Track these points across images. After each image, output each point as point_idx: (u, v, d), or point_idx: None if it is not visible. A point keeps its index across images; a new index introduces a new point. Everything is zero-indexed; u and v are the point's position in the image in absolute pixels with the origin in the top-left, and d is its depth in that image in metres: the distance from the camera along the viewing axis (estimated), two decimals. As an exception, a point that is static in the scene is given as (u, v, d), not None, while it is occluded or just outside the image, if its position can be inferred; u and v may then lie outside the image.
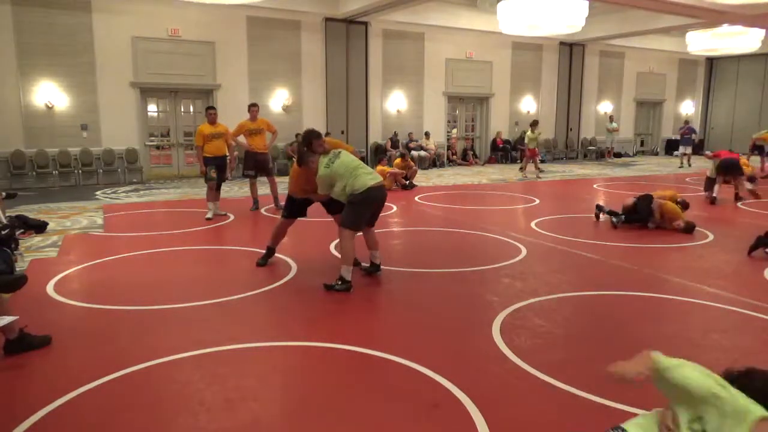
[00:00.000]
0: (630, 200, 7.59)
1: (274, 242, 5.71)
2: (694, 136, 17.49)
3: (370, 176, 4.97)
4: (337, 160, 4.92)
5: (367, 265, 5.36)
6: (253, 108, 8.73)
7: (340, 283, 4.80)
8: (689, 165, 16.83)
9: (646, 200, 7.43)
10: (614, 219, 7.54)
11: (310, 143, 4.95)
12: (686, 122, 18.23)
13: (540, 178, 14.17)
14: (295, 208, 5.53)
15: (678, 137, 18.31)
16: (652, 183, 12.50)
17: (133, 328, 3.96)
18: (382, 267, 5.32)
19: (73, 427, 2.72)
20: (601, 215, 7.97)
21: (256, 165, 8.74)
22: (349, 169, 4.89)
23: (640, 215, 7.41)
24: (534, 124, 14.78)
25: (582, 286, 4.99)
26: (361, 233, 5.16)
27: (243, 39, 13.82)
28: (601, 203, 8.15)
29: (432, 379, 3.15)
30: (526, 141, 14.58)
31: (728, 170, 9.88)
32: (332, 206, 5.32)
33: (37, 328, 3.66)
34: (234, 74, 13.79)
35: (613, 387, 3.07)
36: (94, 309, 4.37)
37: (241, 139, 8.68)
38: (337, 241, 5.76)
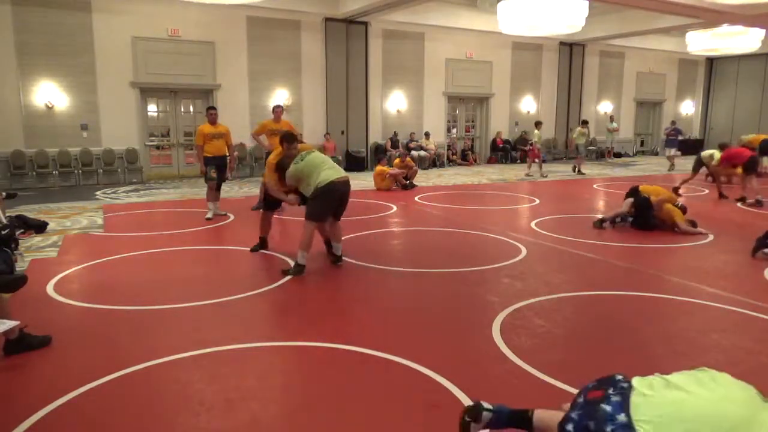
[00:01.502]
0: (626, 207, 7.46)
1: (264, 232, 6.21)
2: (680, 137, 16.80)
3: (334, 171, 5.31)
4: (307, 157, 5.35)
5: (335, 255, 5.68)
6: (277, 109, 8.74)
7: (294, 269, 5.23)
8: (672, 168, 16.12)
9: (644, 202, 7.34)
10: (618, 220, 7.47)
11: (281, 142, 5.58)
12: (672, 122, 17.71)
13: (531, 176, 14.29)
14: (270, 200, 6.12)
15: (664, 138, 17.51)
16: (652, 183, 12.48)
17: (133, 328, 3.97)
18: (344, 258, 5.65)
19: (73, 427, 2.72)
20: (605, 224, 7.52)
21: None
22: (314, 165, 5.28)
23: (643, 218, 7.33)
24: (537, 124, 14.88)
25: (582, 286, 4.99)
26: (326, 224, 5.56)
27: (243, 39, 13.82)
28: (602, 217, 7.66)
29: (432, 379, 3.15)
30: (536, 140, 14.59)
31: (752, 167, 9.74)
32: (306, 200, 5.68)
33: (37, 328, 3.66)
34: (234, 74, 13.79)
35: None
36: (94, 309, 4.37)
37: (263, 138, 8.67)
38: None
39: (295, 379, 3.29)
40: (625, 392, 1.48)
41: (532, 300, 4.55)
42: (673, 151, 16.33)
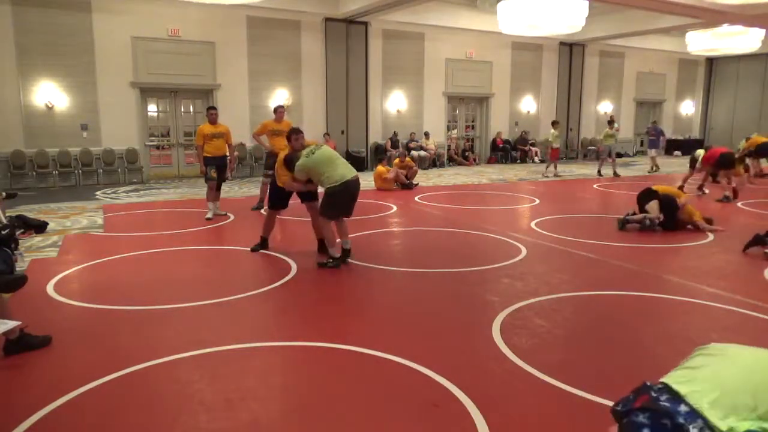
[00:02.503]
0: (655, 210, 7.29)
1: (266, 232, 6.20)
2: (662, 138, 15.87)
3: (348, 169, 5.51)
4: (317, 151, 5.47)
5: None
6: (279, 109, 8.72)
7: (331, 261, 5.45)
8: (656, 169, 15.33)
9: (672, 202, 7.28)
10: (648, 222, 7.29)
11: (288, 138, 5.73)
12: (653, 122, 17.16)
13: (548, 177, 14.26)
14: (278, 199, 6.10)
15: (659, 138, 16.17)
16: (652, 183, 12.47)
17: (133, 328, 3.96)
18: (352, 256, 5.67)
19: (73, 427, 2.72)
20: (628, 225, 7.42)
21: None
22: (329, 160, 5.44)
23: (671, 219, 7.27)
24: (555, 122, 14.82)
25: (582, 286, 4.99)
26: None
27: (243, 39, 13.82)
28: (626, 218, 7.48)
29: (432, 379, 3.15)
30: (551, 140, 14.50)
31: (724, 164, 10.05)
32: (304, 194, 6.00)
33: (37, 328, 3.66)
34: (234, 74, 13.78)
35: (613, 387, 3.07)
36: (94, 309, 4.37)
37: (264, 138, 8.66)
38: (338, 240, 5.79)
39: (295, 379, 3.29)
40: (666, 388, 1.60)
41: (532, 300, 4.55)
42: (653, 152, 15.58)
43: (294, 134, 5.76)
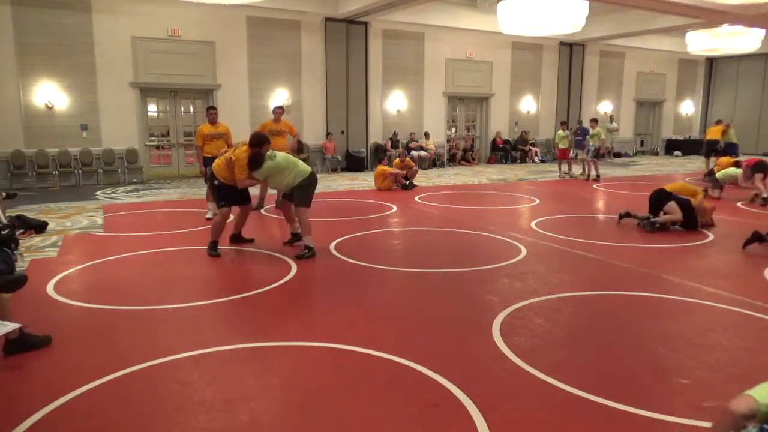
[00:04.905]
0: (678, 213, 7.25)
1: (216, 235, 6.13)
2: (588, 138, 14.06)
3: (304, 164, 6.14)
4: (278, 155, 5.96)
5: (289, 238, 6.40)
6: (277, 110, 8.75)
7: (307, 251, 5.79)
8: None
9: (687, 204, 7.27)
10: (669, 225, 7.27)
11: (261, 145, 5.89)
12: (579, 122, 16.32)
13: (570, 175, 14.19)
14: (228, 195, 6.21)
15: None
16: (652, 183, 12.48)
17: (133, 328, 3.96)
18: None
19: (74, 428, 2.72)
20: (621, 220, 7.59)
21: None
22: (290, 163, 5.98)
23: (690, 219, 7.26)
24: (563, 123, 14.72)
25: (582, 286, 4.99)
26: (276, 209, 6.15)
27: (243, 39, 13.82)
28: (629, 212, 7.70)
29: (432, 379, 3.15)
30: (557, 140, 14.43)
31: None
32: (241, 199, 6.33)
33: (37, 328, 3.66)
34: (234, 74, 13.79)
35: (613, 387, 3.07)
36: (94, 309, 4.37)
37: None
38: (338, 240, 5.82)
39: (295, 379, 3.28)
40: None
41: (532, 300, 4.55)
42: (581, 153, 14.01)
43: (268, 143, 6.04)
